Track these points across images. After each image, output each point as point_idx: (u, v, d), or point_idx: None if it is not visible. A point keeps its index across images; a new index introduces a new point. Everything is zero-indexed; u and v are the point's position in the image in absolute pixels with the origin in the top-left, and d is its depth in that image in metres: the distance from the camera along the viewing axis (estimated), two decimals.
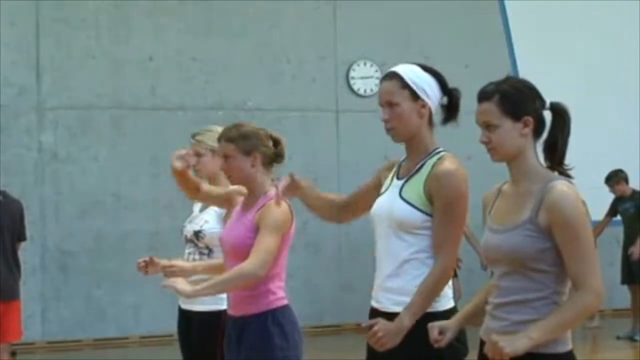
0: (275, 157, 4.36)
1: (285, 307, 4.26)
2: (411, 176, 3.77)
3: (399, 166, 3.88)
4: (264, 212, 4.20)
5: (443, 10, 12.28)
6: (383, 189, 3.87)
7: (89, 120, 11.23)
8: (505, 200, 3.26)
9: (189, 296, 4.13)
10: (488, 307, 3.25)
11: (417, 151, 3.80)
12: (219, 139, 4.37)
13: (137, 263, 4.80)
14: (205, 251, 5.20)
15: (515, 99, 3.19)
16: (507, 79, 3.27)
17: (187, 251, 5.31)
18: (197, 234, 5.23)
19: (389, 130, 3.81)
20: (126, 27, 11.43)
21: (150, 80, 11.37)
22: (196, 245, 5.24)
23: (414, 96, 3.76)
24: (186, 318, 5.23)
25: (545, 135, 3.22)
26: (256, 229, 4.18)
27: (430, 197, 3.69)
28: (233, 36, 11.71)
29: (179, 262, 4.87)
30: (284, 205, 4.22)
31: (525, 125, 3.19)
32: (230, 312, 4.34)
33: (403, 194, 3.74)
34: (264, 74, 11.81)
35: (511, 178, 3.26)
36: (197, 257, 5.22)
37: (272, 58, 11.83)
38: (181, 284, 4.03)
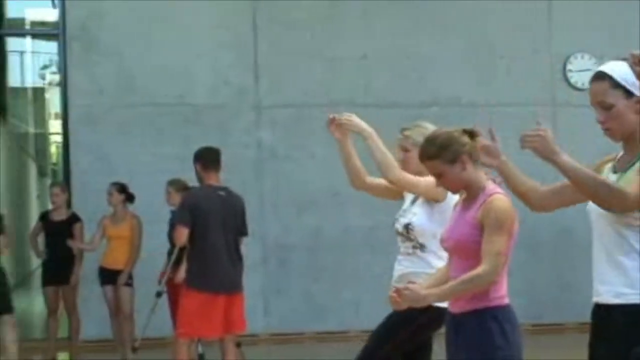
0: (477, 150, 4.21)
1: (505, 307, 4.20)
2: (628, 168, 3.72)
3: (617, 161, 3.82)
4: (487, 210, 4.14)
5: None
6: None
7: (304, 118, 11.48)
8: None
9: (420, 301, 4.11)
10: None
11: (634, 145, 3.74)
12: (421, 159, 4.29)
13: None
14: (418, 245, 5.19)
15: None
16: None
17: (400, 245, 5.30)
18: (407, 226, 5.23)
19: (605, 131, 3.76)
20: (340, 26, 11.62)
21: (364, 79, 11.54)
22: (408, 238, 5.23)
23: (628, 94, 3.70)
24: None
25: None
26: (480, 227, 4.13)
27: None
28: (444, 33, 11.69)
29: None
30: (506, 200, 4.18)
31: None
32: (450, 308, 4.35)
33: None
34: (476, 69, 11.75)
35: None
36: (410, 250, 5.22)
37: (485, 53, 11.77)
38: (416, 289, 4.07)
